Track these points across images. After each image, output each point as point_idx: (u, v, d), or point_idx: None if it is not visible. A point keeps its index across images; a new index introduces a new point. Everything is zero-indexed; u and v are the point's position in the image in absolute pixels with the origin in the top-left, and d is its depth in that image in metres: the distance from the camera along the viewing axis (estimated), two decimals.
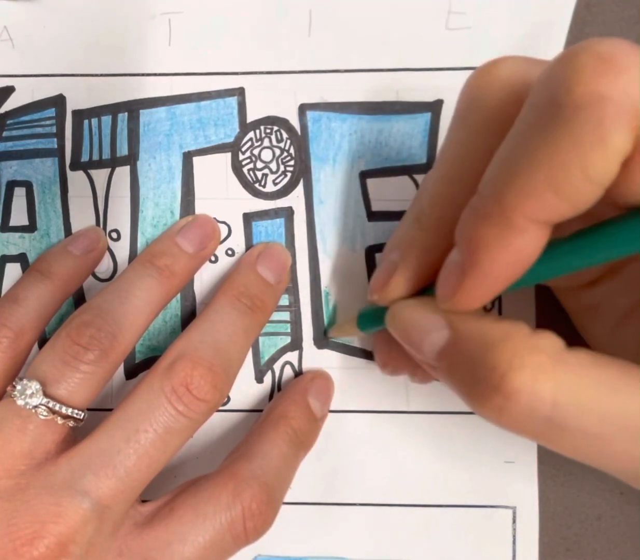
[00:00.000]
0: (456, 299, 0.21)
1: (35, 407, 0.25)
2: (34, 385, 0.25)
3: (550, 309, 0.29)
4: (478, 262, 0.19)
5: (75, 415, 0.26)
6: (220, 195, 0.30)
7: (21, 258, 0.31)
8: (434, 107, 0.29)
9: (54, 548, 0.23)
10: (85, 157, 0.31)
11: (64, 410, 0.25)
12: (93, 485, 0.24)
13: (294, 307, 0.30)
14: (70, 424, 0.26)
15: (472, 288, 0.20)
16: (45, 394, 0.25)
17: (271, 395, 0.31)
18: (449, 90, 0.29)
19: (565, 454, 0.20)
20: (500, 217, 0.18)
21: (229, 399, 0.31)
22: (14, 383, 0.26)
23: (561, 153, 0.17)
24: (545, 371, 0.19)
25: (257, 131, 0.30)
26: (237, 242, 0.30)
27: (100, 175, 0.30)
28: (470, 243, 0.19)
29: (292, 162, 0.30)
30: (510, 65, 0.21)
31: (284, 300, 0.30)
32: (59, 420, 0.25)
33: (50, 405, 0.25)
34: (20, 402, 0.25)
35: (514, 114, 0.19)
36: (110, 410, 0.26)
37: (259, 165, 0.30)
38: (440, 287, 0.21)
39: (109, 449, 0.25)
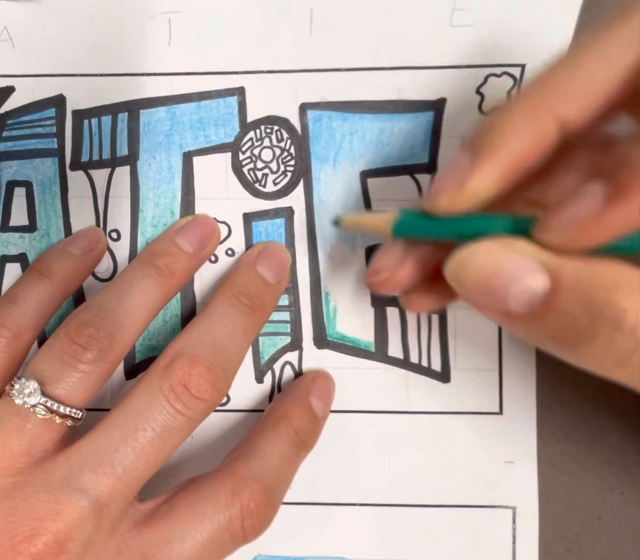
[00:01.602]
0: (581, 228, 0.19)
1: (34, 406, 0.25)
2: (32, 385, 0.25)
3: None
4: (628, 200, 0.18)
5: (73, 415, 0.26)
6: (220, 195, 0.30)
7: (21, 258, 0.31)
8: (437, 106, 0.29)
9: (52, 545, 0.23)
10: (85, 157, 0.31)
11: (62, 409, 0.25)
12: (91, 483, 0.24)
13: (294, 307, 0.30)
14: (68, 423, 0.26)
15: (604, 225, 0.19)
16: (44, 393, 0.25)
17: (271, 395, 0.31)
18: (452, 88, 0.29)
19: None
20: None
21: (229, 399, 0.31)
22: (12, 382, 0.26)
23: None
24: None
25: (258, 131, 0.30)
26: (237, 242, 0.30)
27: (100, 175, 0.30)
28: (625, 177, 0.18)
29: (292, 162, 0.30)
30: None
31: (284, 300, 0.30)
32: (57, 420, 0.25)
33: (49, 404, 0.25)
34: (18, 401, 0.25)
35: None
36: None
37: (259, 165, 0.30)
38: (568, 214, 0.19)
39: (107, 447, 0.25)
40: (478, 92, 0.29)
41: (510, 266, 0.19)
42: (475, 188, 0.20)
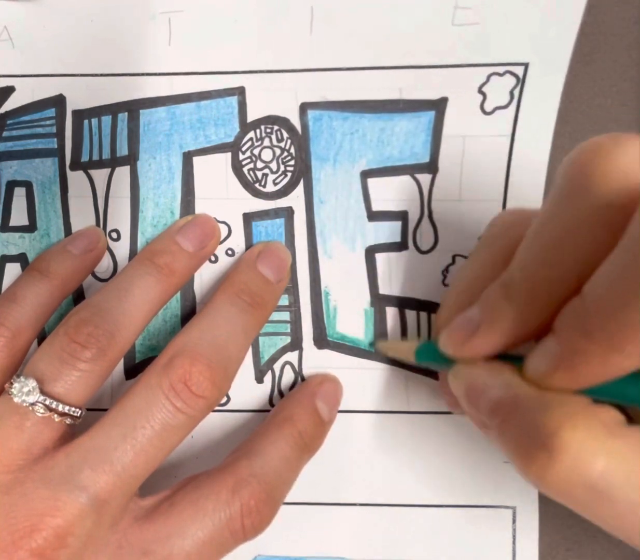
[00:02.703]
0: (546, 379, 0.21)
1: (32, 404, 0.25)
2: (31, 383, 0.25)
3: None
4: (575, 367, 0.19)
5: (72, 413, 0.26)
6: (220, 195, 0.30)
7: (21, 258, 0.31)
8: (438, 105, 0.29)
9: (53, 540, 0.24)
10: (85, 157, 0.31)
11: (60, 408, 0.25)
12: (91, 480, 0.24)
13: (294, 307, 0.30)
14: (67, 422, 0.26)
15: (562, 378, 0.20)
16: (42, 392, 0.25)
17: (271, 396, 0.31)
18: (454, 87, 0.29)
19: (605, 525, 0.19)
20: (607, 340, 0.18)
21: (229, 399, 0.31)
22: (11, 380, 0.26)
23: None
24: (597, 436, 0.18)
25: (258, 131, 0.30)
26: (237, 242, 0.30)
27: (100, 175, 0.30)
28: (569, 348, 0.19)
29: (292, 162, 0.30)
30: (635, 152, 0.19)
31: (284, 300, 0.30)
32: (56, 418, 0.26)
33: (47, 402, 0.25)
34: (17, 400, 0.25)
35: (628, 210, 0.18)
36: None
37: (259, 165, 0.30)
38: (531, 362, 0.21)
39: (107, 445, 0.25)
40: (480, 91, 0.29)
41: (485, 379, 0.22)
42: (476, 350, 0.23)
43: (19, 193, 0.31)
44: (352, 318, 0.30)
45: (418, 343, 0.27)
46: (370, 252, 0.30)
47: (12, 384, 0.26)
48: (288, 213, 0.30)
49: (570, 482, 0.18)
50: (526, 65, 0.29)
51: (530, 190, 0.29)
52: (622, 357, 0.18)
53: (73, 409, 0.26)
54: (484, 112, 0.29)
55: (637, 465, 0.18)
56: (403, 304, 0.30)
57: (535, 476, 0.19)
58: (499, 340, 0.22)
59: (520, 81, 0.29)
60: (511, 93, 0.29)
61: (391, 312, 0.30)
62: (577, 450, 0.18)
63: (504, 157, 0.29)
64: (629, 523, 0.19)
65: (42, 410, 0.25)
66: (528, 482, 0.20)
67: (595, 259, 0.19)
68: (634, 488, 0.18)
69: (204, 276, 0.31)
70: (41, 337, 0.30)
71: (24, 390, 0.25)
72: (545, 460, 0.18)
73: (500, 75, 0.29)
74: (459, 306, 0.24)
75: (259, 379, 0.31)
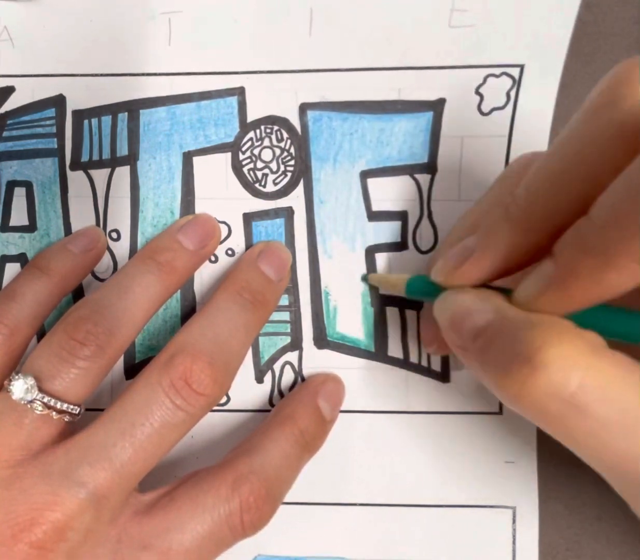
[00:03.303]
0: (536, 301, 0.21)
1: (30, 402, 0.25)
2: (29, 381, 0.25)
3: None
4: (569, 287, 0.19)
5: (70, 411, 0.26)
6: (220, 195, 0.30)
7: (21, 258, 0.31)
8: (436, 106, 0.29)
9: (52, 534, 0.24)
10: (85, 157, 0.31)
11: (59, 405, 0.25)
12: (89, 476, 0.24)
13: (294, 307, 0.30)
14: (66, 419, 0.26)
15: (552, 301, 0.20)
16: (41, 390, 0.25)
17: (271, 396, 0.31)
18: (451, 88, 0.29)
19: (573, 442, 0.20)
20: (604, 254, 0.18)
21: (229, 399, 0.31)
22: (10, 378, 0.26)
23: None
24: (581, 353, 0.19)
25: (258, 131, 0.30)
26: (237, 242, 0.30)
27: (100, 175, 0.31)
28: (566, 267, 0.19)
29: (292, 162, 0.30)
30: None
31: (284, 300, 0.30)
32: (55, 415, 0.26)
33: (45, 400, 0.25)
34: (15, 397, 0.25)
35: None
36: None
37: (259, 165, 0.30)
38: (522, 285, 0.21)
39: (105, 441, 0.25)
40: (477, 92, 0.29)
41: (470, 304, 0.22)
42: (466, 277, 0.23)
43: (19, 193, 0.31)
44: (352, 318, 0.30)
45: (409, 275, 0.27)
46: (370, 252, 0.30)
47: (10, 381, 0.26)
48: (288, 213, 0.30)
49: (548, 395, 0.19)
50: (522, 67, 0.29)
51: None
52: (614, 273, 0.18)
53: (71, 406, 0.26)
54: (482, 113, 0.29)
55: (614, 383, 0.18)
56: (403, 304, 0.30)
57: (514, 389, 0.19)
58: (492, 264, 0.22)
59: (516, 82, 0.29)
60: (508, 94, 0.29)
61: (391, 312, 0.30)
62: (559, 365, 0.18)
63: (502, 157, 0.29)
64: (599, 440, 0.19)
65: (40, 408, 0.25)
66: (503, 399, 0.20)
67: (606, 181, 0.18)
68: (609, 404, 0.18)
69: (204, 276, 0.31)
70: (40, 334, 0.30)
71: (23, 388, 0.25)
72: (526, 373, 0.19)
73: (497, 76, 0.29)
74: (459, 239, 0.24)
75: (259, 379, 0.31)
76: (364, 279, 0.30)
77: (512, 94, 0.29)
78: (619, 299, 0.21)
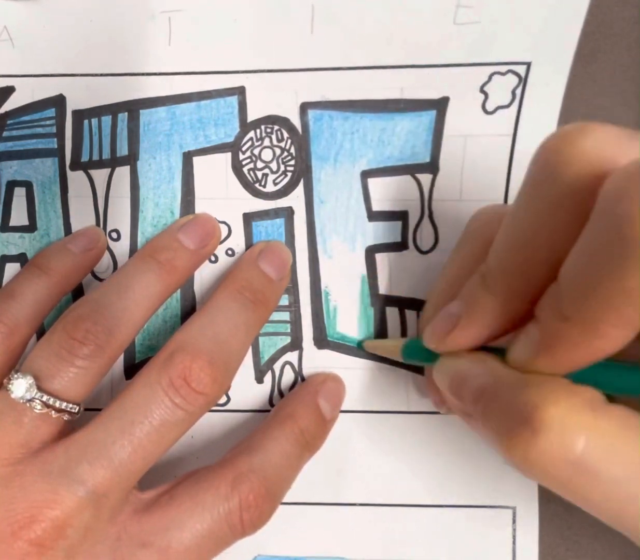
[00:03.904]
0: (529, 366, 0.21)
1: (30, 401, 0.25)
2: (28, 380, 0.25)
3: None
4: (556, 352, 0.19)
5: (70, 410, 0.26)
6: (220, 195, 0.30)
7: (21, 258, 0.31)
8: (440, 105, 0.29)
9: (51, 531, 0.24)
10: (85, 157, 0.31)
11: (58, 404, 0.26)
12: (89, 474, 0.24)
13: (294, 307, 0.30)
14: (65, 418, 0.26)
15: (544, 364, 0.20)
16: (40, 388, 0.26)
17: (271, 396, 0.31)
18: (455, 87, 0.29)
19: (588, 505, 0.19)
20: (582, 322, 0.18)
21: (228, 399, 0.31)
22: (9, 377, 0.26)
23: (633, 279, 0.16)
24: (579, 412, 0.18)
25: (258, 130, 0.30)
26: (237, 242, 0.30)
27: (100, 175, 0.31)
28: (548, 334, 0.19)
29: (292, 162, 0.30)
30: (598, 138, 0.19)
31: (284, 300, 0.30)
32: (54, 414, 0.26)
33: (44, 399, 0.25)
34: (14, 396, 0.25)
35: (593, 194, 0.18)
36: None
37: (259, 165, 0.30)
38: (513, 350, 0.21)
39: (105, 439, 0.25)
40: (482, 90, 0.29)
41: (466, 368, 0.22)
42: (457, 343, 0.23)
43: (19, 193, 0.31)
44: (352, 318, 0.30)
45: (404, 341, 0.27)
46: (370, 252, 0.30)
47: (10, 380, 0.26)
48: (288, 213, 0.30)
49: (553, 458, 0.18)
50: (528, 65, 0.29)
51: None
52: (599, 340, 0.18)
53: (70, 405, 0.26)
54: (486, 112, 0.29)
55: (619, 441, 0.18)
56: (403, 304, 0.30)
57: (519, 454, 0.19)
58: (480, 331, 0.23)
59: (523, 80, 0.29)
60: (513, 92, 0.29)
61: (391, 312, 0.30)
62: (559, 425, 0.18)
63: (506, 157, 0.29)
64: (613, 500, 0.18)
65: (39, 407, 0.25)
66: (513, 465, 0.20)
67: (568, 245, 0.18)
68: (617, 463, 0.18)
69: (204, 276, 0.31)
70: (40, 334, 0.30)
71: (22, 387, 0.25)
72: (528, 436, 0.18)
73: (502, 74, 0.29)
74: (442, 302, 0.24)
75: (259, 379, 0.31)
76: (359, 346, 0.30)
77: (518, 92, 0.29)
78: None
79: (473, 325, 0.23)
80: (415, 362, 0.28)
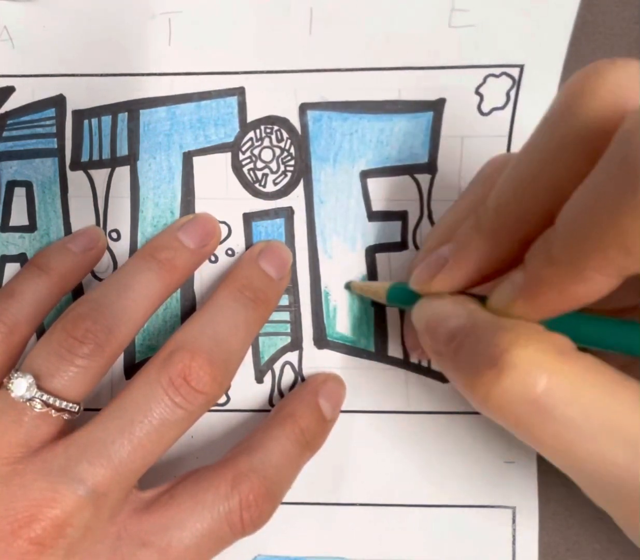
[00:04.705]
0: (507, 309, 0.21)
1: (30, 400, 0.25)
2: (28, 379, 0.25)
3: None
4: (537, 297, 0.20)
5: (69, 409, 0.26)
6: (220, 195, 0.30)
7: (21, 258, 0.31)
8: (437, 106, 0.29)
9: (51, 530, 0.24)
10: (85, 157, 0.31)
11: (57, 403, 0.25)
12: (88, 473, 0.24)
13: (294, 307, 0.30)
14: (65, 417, 0.26)
15: (523, 309, 0.20)
16: (40, 388, 0.25)
17: (271, 396, 0.31)
18: (451, 88, 0.29)
19: (540, 445, 0.19)
20: (569, 265, 0.18)
21: (228, 399, 0.31)
22: (9, 376, 0.26)
23: (632, 220, 0.16)
24: (547, 356, 0.19)
25: (258, 131, 0.30)
26: (237, 242, 0.30)
27: (100, 175, 0.31)
28: (533, 278, 0.20)
29: (292, 162, 0.30)
30: (623, 74, 0.18)
31: (284, 300, 0.30)
32: (54, 413, 0.26)
33: (44, 398, 0.25)
34: (14, 395, 0.25)
35: (608, 136, 0.17)
36: None
37: (259, 165, 0.30)
38: (495, 293, 0.21)
39: (104, 438, 0.25)
40: (477, 92, 0.29)
41: (445, 309, 0.23)
42: (441, 285, 0.23)
43: (19, 193, 0.31)
44: (352, 318, 0.30)
45: (390, 283, 0.27)
46: (370, 252, 0.30)
47: (10, 379, 0.26)
48: (288, 213, 0.30)
49: (514, 396, 0.19)
50: (522, 67, 0.29)
51: None
52: (582, 285, 0.18)
53: (70, 404, 0.26)
54: (481, 113, 0.29)
55: (581, 385, 0.18)
56: None
57: (482, 393, 0.19)
58: (465, 274, 0.23)
59: (516, 82, 0.29)
60: (507, 94, 0.29)
61: (391, 312, 0.30)
62: (525, 367, 0.18)
63: None
64: (564, 442, 0.19)
65: (39, 406, 0.25)
66: (473, 403, 0.20)
67: (570, 190, 0.18)
68: (574, 406, 0.18)
69: (204, 276, 0.31)
70: (40, 333, 0.30)
71: (22, 386, 0.25)
72: (493, 376, 0.19)
73: (497, 76, 0.29)
74: (436, 246, 0.24)
75: (259, 379, 0.31)
76: (347, 287, 0.30)
77: (512, 94, 0.29)
78: (618, 304, 0.21)
79: (460, 267, 0.23)
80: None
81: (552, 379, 0.18)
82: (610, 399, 0.18)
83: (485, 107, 0.29)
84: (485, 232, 0.22)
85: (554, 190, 0.19)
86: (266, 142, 0.30)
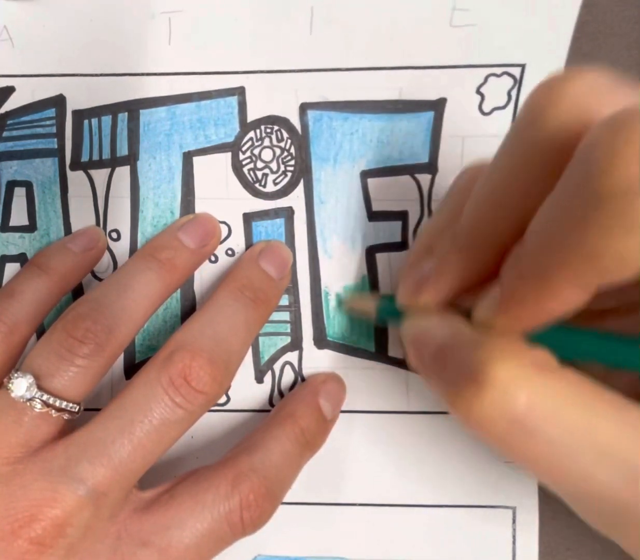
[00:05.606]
0: (490, 324, 0.21)
1: (30, 400, 0.25)
2: (28, 379, 0.25)
3: None
4: (512, 310, 0.20)
5: (69, 409, 0.26)
6: (220, 195, 0.30)
7: (21, 258, 0.31)
8: (437, 106, 0.29)
9: (51, 530, 0.24)
10: (85, 157, 0.31)
11: (58, 403, 0.25)
12: (89, 473, 0.24)
13: (294, 307, 0.30)
14: (65, 417, 0.26)
15: (504, 323, 0.20)
16: (40, 388, 0.25)
17: (271, 396, 0.31)
18: (452, 88, 0.29)
19: (522, 463, 0.19)
20: (538, 280, 0.18)
21: (228, 399, 0.31)
22: (9, 376, 0.26)
23: (596, 235, 0.16)
24: (526, 372, 0.19)
25: (258, 131, 0.30)
26: (237, 242, 0.30)
27: (100, 175, 0.31)
28: (507, 292, 0.20)
29: (292, 162, 0.30)
30: (586, 84, 0.18)
31: (284, 300, 0.30)
32: (54, 413, 0.26)
33: (44, 398, 0.25)
34: (14, 395, 0.25)
35: (573, 146, 0.17)
36: None
37: (259, 165, 0.30)
38: (477, 309, 0.22)
39: (104, 438, 0.25)
40: (478, 92, 0.29)
41: (431, 325, 0.23)
42: (428, 299, 0.24)
43: (19, 193, 0.31)
44: (352, 318, 0.30)
45: (377, 302, 0.28)
46: (371, 252, 0.30)
47: (9, 379, 0.26)
48: (288, 213, 0.30)
49: (494, 415, 0.18)
50: (523, 67, 0.29)
51: None
52: (550, 299, 0.18)
53: (70, 404, 0.26)
54: (483, 113, 0.29)
55: (560, 403, 0.18)
56: None
57: (463, 409, 0.19)
58: (450, 287, 0.23)
59: (518, 82, 0.29)
60: (509, 94, 0.29)
61: None
62: (503, 384, 0.18)
63: None
64: (545, 459, 0.19)
65: (39, 406, 0.25)
66: (458, 420, 0.20)
67: (538, 205, 0.18)
68: (554, 424, 0.18)
69: (204, 276, 0.31)
70: (40, 333, 0.30)
71: (22, 386, 0.25)
72: (472, 393, 0.19)
73: (498, 76, 0.29)
74: (419, 260, 0.24)
75: (259, 379, 0.31)
76: (338, 302, 0.30)
77: (514, 93, 0.29)
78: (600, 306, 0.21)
79: (441, 282, 0.23)
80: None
81: (532, 396, 0.18)
82: (592, 416, 0.18)
83: (487, 107, 0.29)
84: (462, 248, 0.22)
85: (523, 205, 0.19)
86: (266, 142, 0.30)
